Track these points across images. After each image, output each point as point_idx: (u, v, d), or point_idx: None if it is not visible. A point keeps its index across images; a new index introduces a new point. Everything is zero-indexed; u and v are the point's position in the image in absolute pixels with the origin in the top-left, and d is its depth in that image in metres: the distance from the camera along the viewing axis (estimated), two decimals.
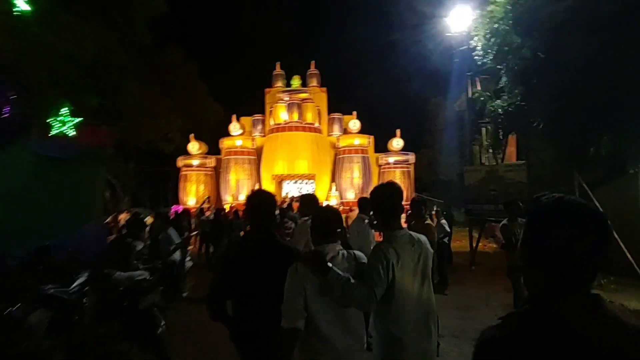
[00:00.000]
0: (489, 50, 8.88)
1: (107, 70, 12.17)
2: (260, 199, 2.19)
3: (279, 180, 18.31)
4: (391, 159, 19.38)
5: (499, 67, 8.88)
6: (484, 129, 13.36)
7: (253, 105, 22.28)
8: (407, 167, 19.45)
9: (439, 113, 28.20)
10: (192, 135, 19.22)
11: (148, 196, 32.33)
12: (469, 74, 12.14)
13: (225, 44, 47.04)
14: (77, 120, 7.91)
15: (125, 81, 20.70)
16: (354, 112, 19.82)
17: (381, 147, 20.32)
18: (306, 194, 4.80)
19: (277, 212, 9.29)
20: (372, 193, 2.07)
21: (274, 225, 2.52)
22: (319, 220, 1.97)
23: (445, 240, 6.99)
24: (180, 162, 19.08)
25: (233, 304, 2.11)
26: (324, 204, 17.51)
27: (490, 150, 12.65)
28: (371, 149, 19.78)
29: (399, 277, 1.80)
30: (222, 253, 2.50)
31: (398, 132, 19.42)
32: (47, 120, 7.70)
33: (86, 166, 7.43)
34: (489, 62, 9.07)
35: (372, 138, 19.64)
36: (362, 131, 19.85)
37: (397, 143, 19.38)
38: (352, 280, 1.69)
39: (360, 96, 37.65)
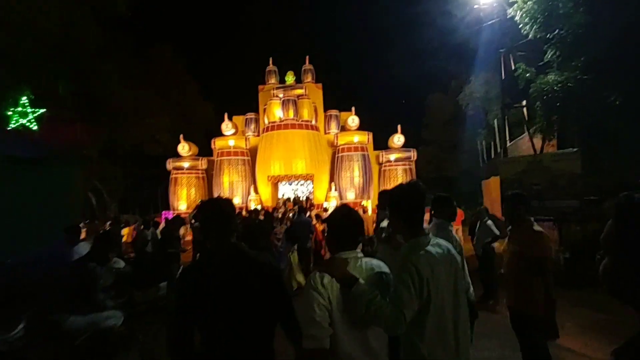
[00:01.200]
0: (533, 20, 7.72)
1: (79, 49, 10.49)
2: (215, 209, 1.86)
3: (275, 182, 17.31)
4: (392, 157, 18.47)
5: (547, 37, 7.69)
6: (495, 121, 12.37)
7: (246, 103, 21.38)
8: (409, 165, 18.55)
9: (439, 108, 27.38)
10: (181, 136, 18.11)
11: (137, 202, 31.20)
12: (501, 50, 10.77)
13: (215, 41, 45.97)
14: (40, 111, 6.72)
15: (104, 66, 19.55)
16: (353, 108, 18.87)
17: (380, 144, 19.44)
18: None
19: (261, 217, 8.43)
20: (393, 194, 1.84)
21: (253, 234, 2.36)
22: (340, 225, 1.73)
23: (494, 244, 6.06)
24: (170, 164, 17.97)
25: (202, 340, 1.70)
26: (326, 206, 16.74)
27: (539, 135, 10.68)
28: (370, 146, 18.86)
29: (434, 294, 1.58)
30: (177, 280, 1.82)
31: (399, 127, 18.53)
32: (4, 112, 6.53)
33: (57, 169, 6.38)
34: (535, 32, 7.88)
35: (371, 135, 18.70)
36: (361, 128, 18.94)
37: (398, 139, 18.48)
38: (379, 297, 1.51)
39: (357, 92, 36.62)
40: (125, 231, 12.95)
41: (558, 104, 8.06)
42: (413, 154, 18.50)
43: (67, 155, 6.83)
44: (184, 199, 17.64)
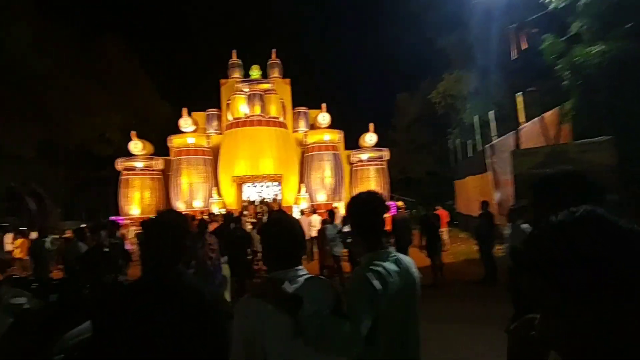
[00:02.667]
0: None
1: (6, 38, 8.75)
2: (163, 225, 1.54)
3: (240, 183, 15.91)
4: (364, 156, 17.68)
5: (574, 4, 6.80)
6: (476, 117, 11.79)
7: (206, 99, 19.71)
8: (382, 165, 17.85)
9: (405, 109, 27.09)
10: (133, 133, 16.25)
11: (85, 207, 28.32)
12: (511, 26, 9.80)
13: (173, 32, 43.21)
14: None
15: (39, 58, 17.42)
16: (323, 105, 17.87)
17: (350, 143, 18.60)
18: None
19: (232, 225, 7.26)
20: (351, 205, 1.69)
21: (190, 256, 1.84)
22: (276, 237, 1.47)
23: None
24: (120, 164, 16.05)
25: None
26: (298, 209, 15.63)
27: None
28: (341, 145, 17.98)
29: (386, 310, 1.43)
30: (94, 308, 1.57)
31: (371, 126, 17.78)
32: None
33: None
34: (557, 2, 6.98)
35: (342, 134, 17.80)
36: (331, 126, 18.00)
37: (370, 138, 17.72)
38: (331, 317, 1.35)
39: (326, 89, 35.51)
40: (17, 243, 10.55)
41: (600, 80, 6.63)
42: (386, 153, 17.82)
43: None
44: (136, 203, 15.79)
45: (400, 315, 1.50)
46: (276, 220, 1.58)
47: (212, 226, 7.59)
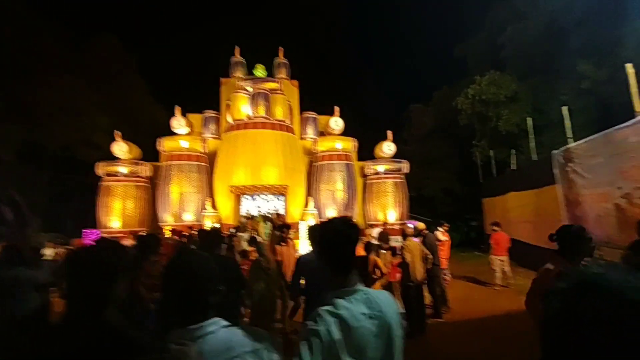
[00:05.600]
0: None
1: None
2: (87, 265, 1.29)
3: (238, 194, 13.75)
4: (380, 168, 15.58)
5: None
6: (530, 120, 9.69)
7: (204, 102, 17.70)
8: (400, 178, 15.75)
9: (420, 120, 25.16)
10: (117, 133, 14.18)
11: (70, 216, 25.99)
12: None
13: (170, 32, 41.29)
14: None
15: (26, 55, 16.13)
16: (336, 108, 15.85)
17: (362, 154, 16.55)
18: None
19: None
20: (320, 232, 1.45)
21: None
22: (175, 280, 1.18)
23: None
24: (101, 169, 13.92)
25: None
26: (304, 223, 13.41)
27: None
28: (354, 156, 15.93)
29: None
30: None
31: (389, 134, 15.73)
32: None
33: None
34: None
35: (356, 142, 15.75)
36: (344, 134, 15.99)
37: (388, 148, 15.65)
38: None
39: (338, 94, 33.41)
40: None
41: None
42: (405, 165, 15.74)
43: None
44: (117, 214, 13.58)
45: None
46: (173, 262, 1.21)
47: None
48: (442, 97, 23.63)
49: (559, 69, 13.89)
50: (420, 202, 26.77)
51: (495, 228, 7.90)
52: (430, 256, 5.09)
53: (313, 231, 1.61)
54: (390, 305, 1.35)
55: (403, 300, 4.43)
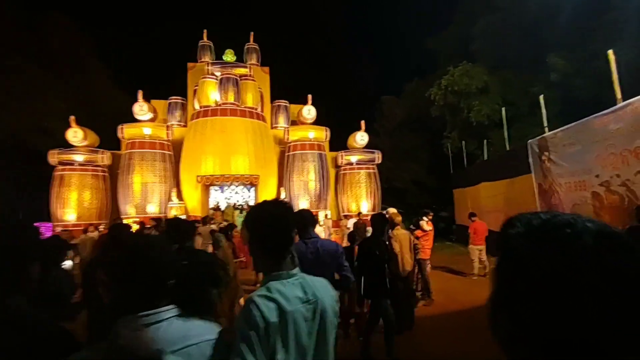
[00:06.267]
0: None
1: None
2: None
3: (207, 184, 13.09)
4: (354, 158, 15.35)
5: None
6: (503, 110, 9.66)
7: (170, 89, 16.70)
8: (373, 169, 15.60)
9: (392, 112, 25.14)
10: (72, 118, 13.11)
11: (22, 209, 24.14)
12: None
13: (134, 16, 38.97)
14: None
15: None
16: (309, 96, 15.39)
17: (334, 145, 16.23)
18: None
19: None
20: (251, 213, 1.39)
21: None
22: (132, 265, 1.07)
23: None
24: (55, 157, 12.84)
25: None
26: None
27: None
28: (326, 145, 15.59)
29: (282, 348, 1.15)
30: None
31: (362, 124, 15.49)
32: None
33: None
34: None
35: (329, 131, 15.40)
36: (316, 123, 15.59)
37: (361, 138, 15.43)
38: None
39: (310, 82, 32.69)
40: None
41: None
42: (378, 156, 15.59)
43: None
44: (73, 206, 12.59)
45: (302, 354, 1.20)
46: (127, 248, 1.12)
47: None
48: (413, 89, 23.69)
49: (529, 62, 14.12)
50: (391, 193, 26.91)
51: (473, 218, 7.83)
52: (420, 246, 4.84)
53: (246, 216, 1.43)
54: (326, 290, 1.34)
55: (391, 292, 4.14)
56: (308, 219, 2.57)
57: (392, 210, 7.50)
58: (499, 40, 15.24)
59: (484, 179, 11.32)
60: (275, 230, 1.31)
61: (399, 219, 4.50)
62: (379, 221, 3.72)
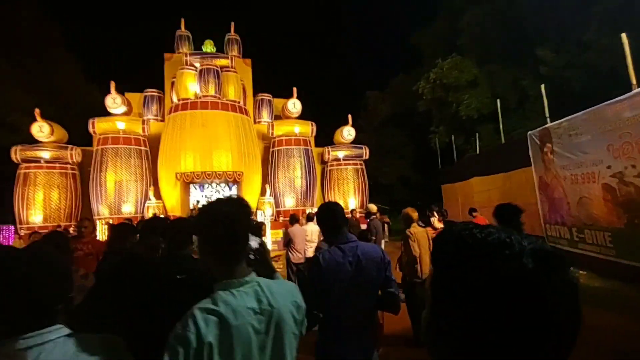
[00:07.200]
0: None
1: None
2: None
3: (187, 182, 12.31)
4: (341, 153, 14.85)
5: None
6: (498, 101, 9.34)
7: (146, 82, 15.71)
8: (361, 164, 15.16)
9: (377, 108, 24.78)
10: (37, 111, 12.07)
11: None
12: None
13: (106, 5, 37.23)
14: None
15: None
16: (294, 89, 14.74)
17: (319, 140, 15.65)
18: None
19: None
20: (202, 214, 1.22)
21: None
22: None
23: None
24: (18, 153, 11.79)
25: None
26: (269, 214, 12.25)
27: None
28: (312, 141, 15.03)
29: None
30: None
31: (349, 117, 15.02)
32: None
33: None
34: None
35: (315, 126, 14.83)
36: (301, 117, 14.99)
37: (348, 133, 14.94)
38: None
39: (291, 76, 31.95)
40: None
41: None
42: (365, 151, 15.14)
43: None
44: (39, 207, 11.59)
45: None
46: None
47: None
48: (399, 84, 23.40)
49: (517, 55, 13.93)
50: (377, 190, 26.63)
51: (475, 214, 7.44)
52: None
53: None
54: (286, 297, 1.22)
55: (407, 301, 3.61)
56: (340, 215, 1.91)
57: (372, 206, 7.10)
58: (485, 33, 15.02)
59: (476, 174, 11.02)
60: (227, 232, 1.15)
61: (415, 215, 3.97)
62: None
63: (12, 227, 11.06)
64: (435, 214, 5.66)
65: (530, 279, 0.45)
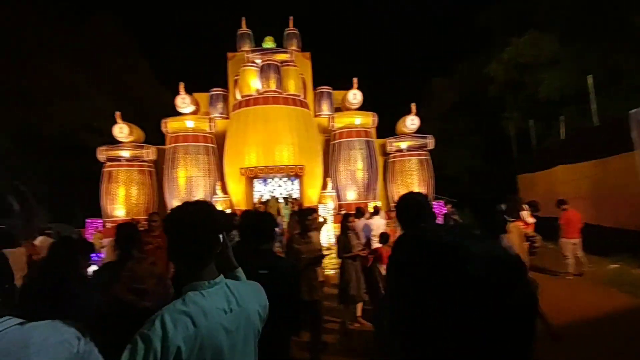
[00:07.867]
0: None
1: None
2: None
3: (251, 176, 12.59)
4: (403, 144, 14.24)
5: None
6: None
7: (211, 81, 16.36)
8: (426, 155, 14.40)
9: (443, 95, 23.45)
10: (118, 114, 13.07)
11: (76, 205, 25.28)
12: None
13: (173, 11, 39.53)
14: None
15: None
16: (355, 80, 14.38)
17: (380, 131, 15.12)
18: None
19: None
20: (172, 215, 1.25)
21: None
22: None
23: None
24: (103, 153, 12.91)
25: None
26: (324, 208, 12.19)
27: None
28: (373, 132, 14.56)
29: None
30: None
31: (413, 107, 14.29)
32: None
33: None
34: None
35: (376, 117, 14.35)
36: (362, 108, 14.57)
37: (412, 122, 14.24)
38: None
39: (350, 67, 31.64)
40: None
41: None
42: (430, 141, 14.35)
43: None
44: (121, 201, 12.61)
45: None
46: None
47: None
48: (467, 68, 21.88)
49: (607, 26, 12.21)
50: (442, 182, 25.35)
51: (565, 207, 6.59)
52: (538, 237, 3.82)
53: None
54: (254, 297, 1.28)
55: None
56: (426, 207, 1.76)
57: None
58: (566, 3, 13.34)
59: (562, 162, 9.86)
60: (196, 233, 1.18)
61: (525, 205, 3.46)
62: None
63: (99, 221, 12.16)
64: (525, 207, 5.03)
65: (472, 285, 0.45)
